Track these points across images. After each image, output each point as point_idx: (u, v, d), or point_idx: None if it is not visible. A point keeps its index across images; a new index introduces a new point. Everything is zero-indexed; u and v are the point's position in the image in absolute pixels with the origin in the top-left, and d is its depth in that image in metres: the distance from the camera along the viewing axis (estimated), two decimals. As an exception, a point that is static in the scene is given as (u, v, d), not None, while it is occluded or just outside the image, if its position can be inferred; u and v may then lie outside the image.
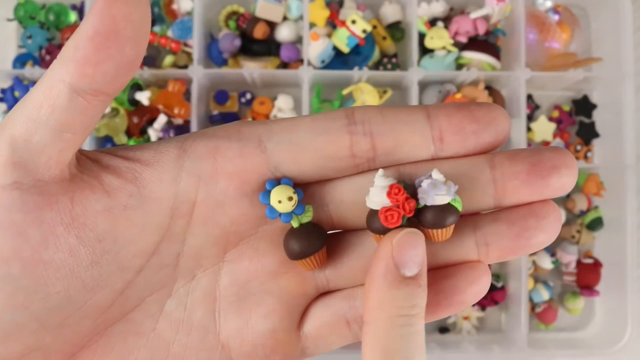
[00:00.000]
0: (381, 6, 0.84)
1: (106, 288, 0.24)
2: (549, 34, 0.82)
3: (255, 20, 0.82)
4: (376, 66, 0.83)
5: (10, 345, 0.23)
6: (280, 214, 0.26)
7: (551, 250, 0.85)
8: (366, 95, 0.81)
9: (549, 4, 0.84)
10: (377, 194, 0.25)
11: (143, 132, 0.81)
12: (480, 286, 0.26)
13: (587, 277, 0.83)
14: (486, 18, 0.82)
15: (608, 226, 0.84)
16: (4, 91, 0.79)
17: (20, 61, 0.82)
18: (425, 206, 0.25)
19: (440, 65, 0.81)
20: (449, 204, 0.25)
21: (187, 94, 0.80)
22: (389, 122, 0.26)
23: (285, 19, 0.83)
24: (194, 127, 0.78)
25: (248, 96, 0.84)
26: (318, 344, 0.27)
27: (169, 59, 0.81)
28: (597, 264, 0.84)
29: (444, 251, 0.26)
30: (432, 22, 0.83)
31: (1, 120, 0.23)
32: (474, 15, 0.81)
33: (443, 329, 0.85)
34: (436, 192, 0.24)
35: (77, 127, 0.23)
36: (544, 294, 0.84)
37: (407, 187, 0.25)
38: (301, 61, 0.81)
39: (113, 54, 0.22)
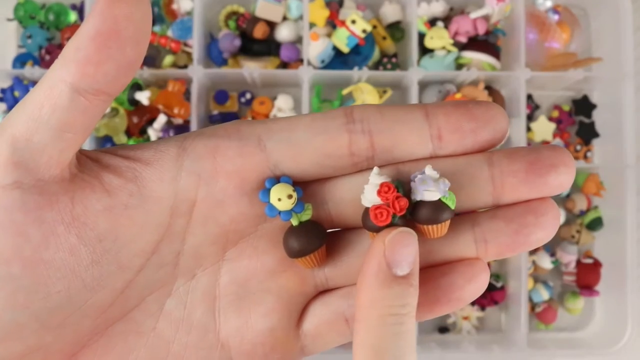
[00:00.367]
0: (381, 6, 0.84)
1: (106, 287, 0.24)
2: (549, 34, 0.82)
3: (255, 20, 0.82)
4: (376, 66, 0.83)
5: (10, 345, 0.23)
6: (279, 212, 0.26)
7: (551, 250, 0.85)
8: (366, 95, 0.81)
9: (549, 4, 0.84)
10: (371, 191, 0.25)
11: (143, 132, 0.81)
12: (479, 283, 0.26)
13: (587, 277, 0.83)
14: (486, 18, 0.82)
15: (608, 226, 0.84)
16: (4, 91, 0.79)
17: (20, 61, 0.82)
18: (419, 202, 0.25)
19: (440, 65, 0.81)
20: (440, 200, 0.25)
21: (187, 94, 0.80)
22: (387, 120, 0.26)
23: (285, 18, 0.83)
24: (193, 127, 0.78)
25: (248, 96, 0.84)
26: (317, 342, 0.27)
27: (168, 59, 0.81)
28: (597, 264, 0.84)
29: (442, 248, 0.26)
30: (432, 22, 0.83)
31: (1, 120, 0.23)
32: (474, 15, 0.81)
33: (443, 328, 0.85)
34: (425, 188, 0.25)
35: (78, 127, 0.23)
36: (543, 294, 0.84)
37: (400, 186, 0.25)
38: (301, 61, 0.81)
39: (114, 54, 0.22)
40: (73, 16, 0.84)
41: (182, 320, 0.26)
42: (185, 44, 0.81)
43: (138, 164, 0.25)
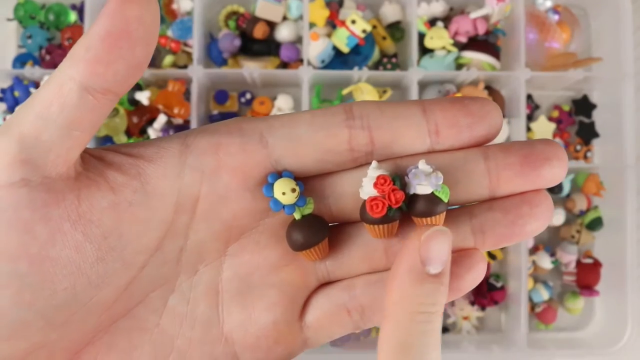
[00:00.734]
0: (381, 6, 0.84)
1: (111, 284, 0.25)
2: (549, 34, 0.82)
3: (255, 20, 0.82)
4: (376, 66, 0.83)
5: (16, 343, 0.23)
6: (284, 206, 0.26)
7: (551, 250, 0.85)
8: (366, 95, 0.81)
9: (549, 4, 0.84)
10: (368, 184, 0.26)
11: (143, 132, 0.81)
12: (477, 272, 0.26)
13: (587, 277, 0.83)
14: (486, 18, 0.82)
15: (608, 226, 0.84)
16: (4, 91, 0.79)
17: (20, 61, 0.82)
18: (413, 195, 0.26)
19: (440, 65, 0.81)
20: (433, 194, 0.25)
21: (187, 94, 0.80)
22: (386, 116, 0.26)
23: (285, 18, 0.83)
24: (193, 127, 0.77)
25: (248, 96, 0.84)
26: (320, 334, 0.28)
27: (168, 59, 0.81)
28: (596, 264, 0.84)
29: None
30: (432, 22, 0.83)
31: (4, 120, 0.24)
32: (474, 15, 0.81)
33: (443, 328, 0.85)
34: (417, 182, 0.25)
35: (86, 125, 0.23)
36: (543, 294, 0.84)
37: (397, 179, 0.26)
38: (301, 61, 0.81)
39: (124, 54, 0.22)
40: (73, 16, 0.84)
41: (185, 316, 0.27)
42: (185, 44, 0.81)
43: (141, 161, 0.25)
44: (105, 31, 0.22)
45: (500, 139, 0.79)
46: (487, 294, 0.83)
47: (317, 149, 0.26)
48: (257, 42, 0.83)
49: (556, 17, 0.84)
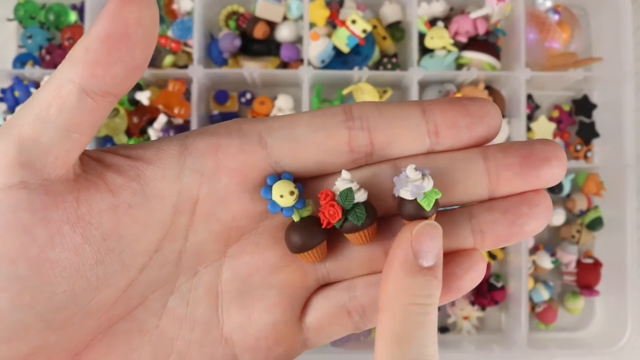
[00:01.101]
0: (381, 6, 0.84)
1: (110, 286, 0.25)
2: (549, 34, 0.82)
3: (255, 20, 0.82)
4: (376, 66, 0.83)
5: (15, 346, 0.23)
6: (282, 209, 0.26)
7: (551, 250, 0.85)
8: (366, 95, 0.81)
9: (549, 4, 0.84)
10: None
11: (143, 132, 0.81)
12: (477, 272, 0.27)
13: (587, 277, 0.83)
14: (486, 18, 0.82)
15: (608, 226, 0.84)
16: (4, 91, 0.79)
17: (20, 61, 0.82)
18: (401, 198, 0.26)
19: (440, 65, 0.81)
20: (416, 201, 0.26)
21: (187, 94, 0.80)
22: (385, 117, 0.26)
23: (285, 18, 0.83)
24: (194, 127, 0.78)
25: (248, 96, 0.84)
26: (319, 335, 0.28)
27: (169, 59, 0.81)
28: (597, 264, 0.84)
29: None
30: (432, 22, 0.83)
31: (3, 121, 0.24)
32: (474, 15, 0.81)
33: (443, 328, 0.85)
34: (400, 187, 0.25)
35: (85, 127, 0.23)
36: (544, 294, 0.84)
37: (348, 194, 0.26)
38: (301, 61, 0.81)
39: (123, 56, 0.22)
40: (73, 16, 0.84)
41: (185, 318, 0.27)
42: (186, 44, 0.81)
43: (140, 162, 0.25)
44: (104, 33, 0.22)
45: (500, 139, 0.79)
46: (488, 294, 0.83)
47: (316, 150, 0.26)
48: (257, 42, 0.83)
49: (556, 17, 0.84)
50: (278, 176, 0.26)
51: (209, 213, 0.26)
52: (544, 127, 0.85)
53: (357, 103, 0.27)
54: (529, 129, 0.85)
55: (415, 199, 0.25)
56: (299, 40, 0.84)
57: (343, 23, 0.78)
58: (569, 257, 0.84)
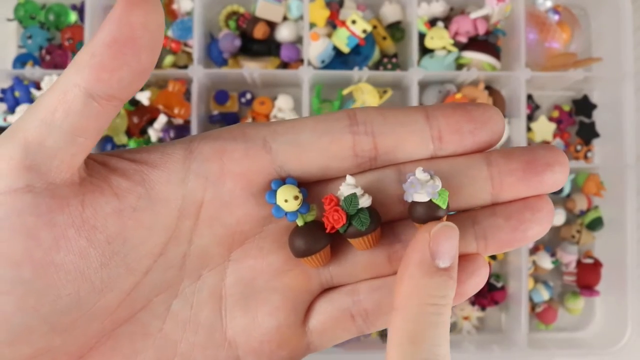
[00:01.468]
0: (381, 6, 0.84)
1: (114, 290, 0.25)
2: (549, 34, 0.82)
3: (255, 20, 0.82)
4: (376, 66, 0.83)
5: (20, 348, 0.23)
6: (286, 213, 0.26)
7: (551, 250, 0.85)
8: (366, 95, 0.81)
9: (549, 4, 0.84)
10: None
11: (143, 132, 0.81)
12: (480, 278, 0.27)
13: (587, 277, 0.83)
14: (486, 18, 0.82)
15: (608, 226, 0.84)
16: (4, 91, 0.79)
17: (20, 61, 0.82)
18: (413, 202, 0.26)
19: (440, 65, 0.81)
20: (431, 201, 0.26)
21: (187, 94, 0.80)
22: (389, 122, 0.26)
23: (285, 19, 0.83)
24: (194, 127, 0.78)
25: (248, 96, 0.84)
26: (323, 339, 0.28)
27: (169, 59, 0.81)
28: (597, 264, 0.84)
29: None
30: (432, 22, 0.83)
31: (3, 122, 0.24)
32: (474, 15, 0.81)
33: (443, 328, 0.85)
34: (414, 190, 0.25)
35: (90, 132, 0.23)
36: (544, 294, 0.84)
37: (353, 199, 0.26)
38: (301, 61, 0.81)
39: (129, 60, 0.22)
40: (73, 16, 0.84)
41: (189, 321, 0.27)
42: (186, 44, 0.81)
43: (145, 166, 0.25)
44: (110, 38, 0.22)
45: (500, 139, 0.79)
46: (488, 294, 0.83)
47: (321, 155, 0.26)
48: (257, 42, 0.83)
49: (556, 17, 0.84)
50: (282, 181, 0.26)
51: (214, 217, 0.26)
52: (544, 127, 0.85)
53: (361, 108, 0.27)
54: (529, 129, 0.85)
55: (430, 199, 0.25)
56: (299, 40, 0.83)
57: (343, 23, 0.78)
58: (569, 257, 0.84)
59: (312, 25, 0.80)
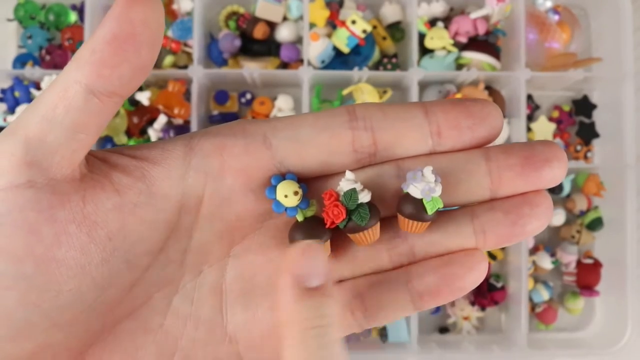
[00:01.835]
0: (381, 6, 0.84)
1: (115, 285, 0.25)
2: (549, 34, 0.82)
3: (255, 20, 0.82)
4: (376, 66, 0.83)
5: (21, 344, 0.23)
6: (286, 208, 0.26)
7: (551, 250, 0.85)
8: (366, 96, 0.81)
9: (549, 4, 0.84)
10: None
11: (143, 132, 0.81)
12: (479, 272, 0.27)
13: (587, 277, 0.83)
14: (486, 18, 0.82)
15: (608, 226, 0.84)
16: (4, 91, 0.79)
17: (20, 61, 0.82)
18: (406, 194, 0.26)
19: (440, 66, 0.81)
20: (421, 201, 0.26)
21: (187, 94, 0.80)
22: (389, 118, 0.27)
23: (285, 19, 0.83)
24: (194, 127, 0.78)
25: (248, 96, 0.84)
26: None
27: (169, 59, 0.81)
28: (597, 264, 0.84)
29: (443, 240, 0.27)
30: (432, 22, 0.83)
31: (3, 122, 0.24)
32: (474, 15, 0.81)
33: (443, 329, 0.85)
34: (414, 182, 0.26)
35: (91, 128, 0.23)
36: (544, 294, 0.84)
37: (352, 195, 0.26)
38: (301, 61, 0.81)
39: (130, 57, 0.22)
40: (73, 16, 0.84)
41: (189, 316, 0.27)
42: (186, 44, 0.81)
43: (146, 163, 0.25)
44: (111, 34, 0.22)
45: (500, 139, 0.79)
46: (488, 294, 0.83)
47: (320, 150, 0.26)
48: (257, 43, 0.83)
49: (556, 17, 0.84)
50: (282, 176, 0.26)
51: (214, 213, 0.26)
52: (544, 128, 0.85)
53: (361, 104, 0.27)
54: (529, 129, 0.85)
55: (422, 199, 0.25)
56: (299, 40, 0.84)
57: (343, 23, 0.78)
58: (569, 257, 0.84)
59: (312, 25, 0.80)
